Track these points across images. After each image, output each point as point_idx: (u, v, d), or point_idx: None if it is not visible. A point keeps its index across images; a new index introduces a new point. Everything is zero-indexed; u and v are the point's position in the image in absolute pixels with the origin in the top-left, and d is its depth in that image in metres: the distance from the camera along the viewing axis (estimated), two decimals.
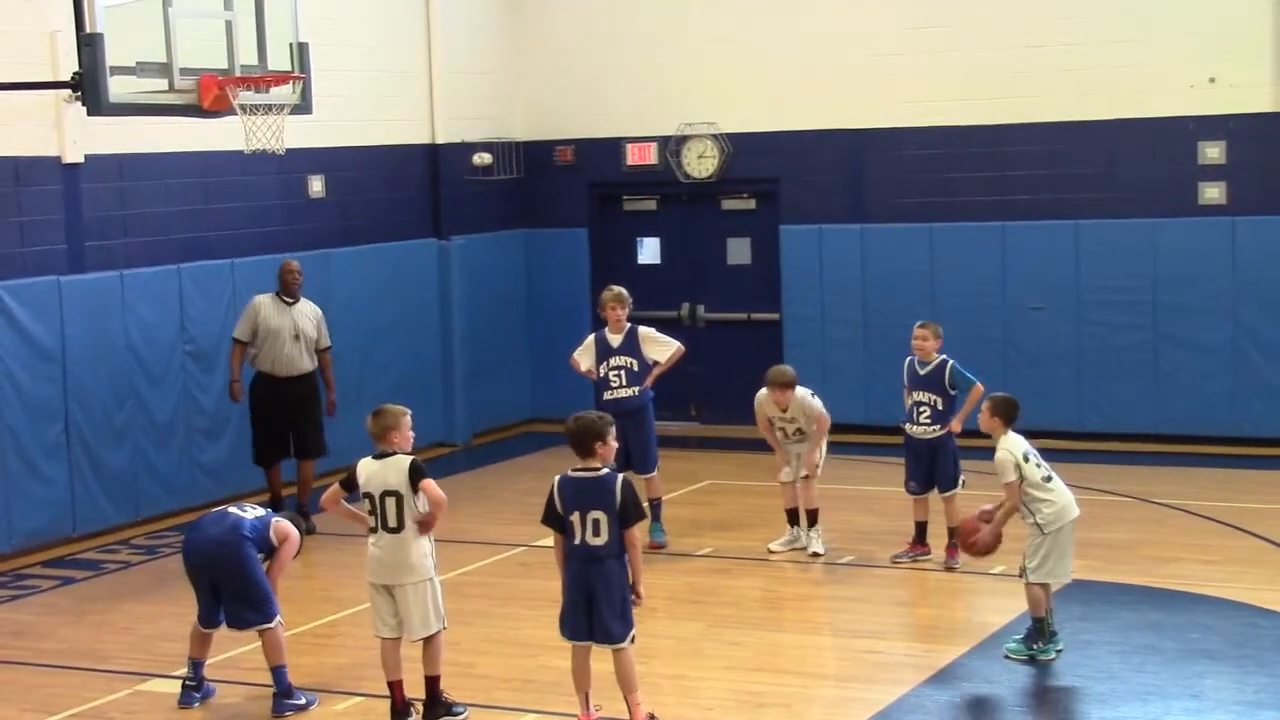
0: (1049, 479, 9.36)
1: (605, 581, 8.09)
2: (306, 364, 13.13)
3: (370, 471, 8.52)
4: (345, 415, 15.14)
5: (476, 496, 14.64)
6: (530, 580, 11.39)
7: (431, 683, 8.68)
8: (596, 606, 8.12)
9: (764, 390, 11.75)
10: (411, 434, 8.69)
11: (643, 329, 12.31)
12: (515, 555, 12.23)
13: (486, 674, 9.50)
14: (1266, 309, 14.98)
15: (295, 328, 13.05)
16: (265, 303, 13.07)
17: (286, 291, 13.12)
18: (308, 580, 11.62)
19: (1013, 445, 9.44)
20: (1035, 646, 9.28)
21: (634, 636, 8.23)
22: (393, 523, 8.47)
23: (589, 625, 8.17)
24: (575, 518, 8.11)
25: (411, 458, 8.54)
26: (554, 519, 8.21)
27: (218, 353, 13.89)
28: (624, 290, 12.34)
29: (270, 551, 8.99)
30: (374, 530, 8.53)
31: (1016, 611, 9.86)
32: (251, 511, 9.07)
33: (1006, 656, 9.26)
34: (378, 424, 8.57)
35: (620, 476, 8.22)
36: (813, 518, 11.82)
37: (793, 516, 11.92)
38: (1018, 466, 9.32)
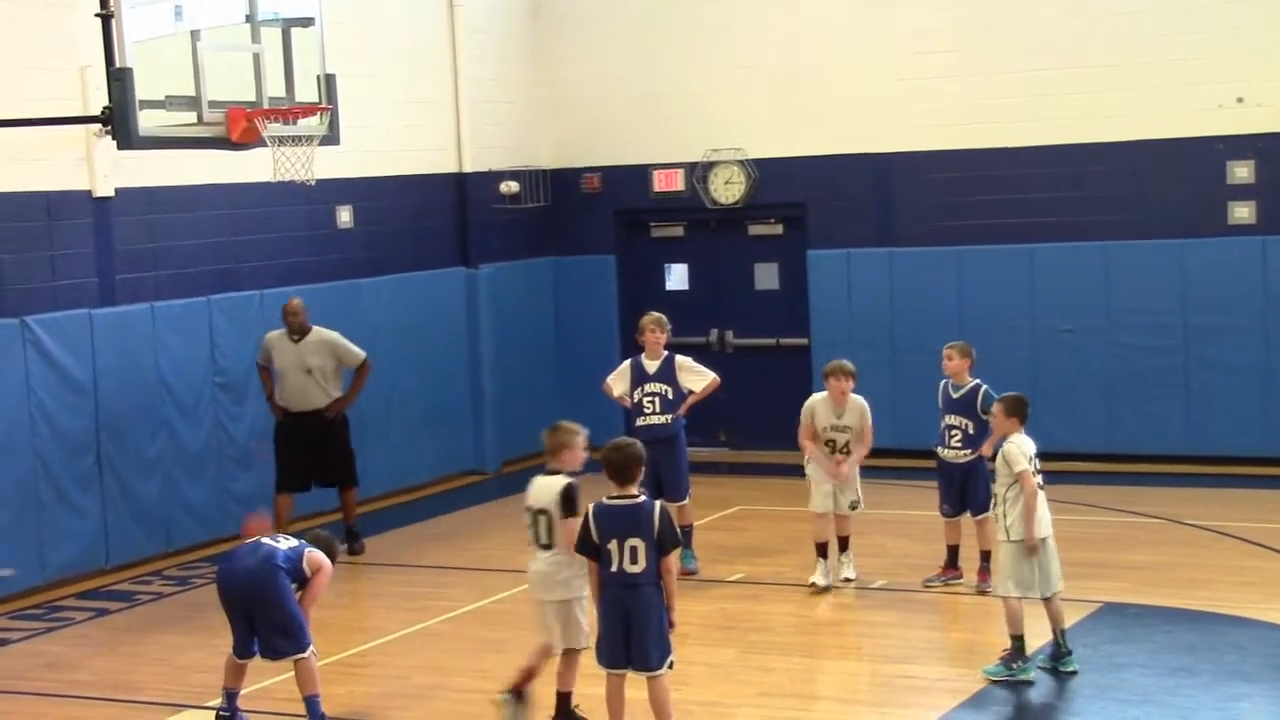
0: (1041, 488, 9.51)
1: (643, 609, 8.09)
2: (318, 399, 13.17)
3: (535, 487, 8.70)
4: (373, 443, 15.22)
5: (506, 524, 14.60)
6: None
7: (562, 699, 8.75)
8: (634, 634, 8.11)
9: (815, 396, 11.70)
10: (584, 454, 8.79)
11: (680, 358, 12.32)
12: None
13: None
14: None
15: (304, 364, 13.11)
16: (275, 340, 13.24)
17: (290, 330, 13.20)
18: (340, 610, 11.63)
19: (1024, 444, 9.57)
20: (1015, 666, 9.27)
21: (672, 663, 8.22)
22: (544, 539, 8.62)
23: (626, 653, 8.15)
24: (612, 545, 8.11)
25: (568, 482, 8.61)
26: (589, 546, 8.20)
27: (248, 383, 13.94)
28: (663, 316, 12.35)
29: (303, 582, 9.01)
30: (531, 545, 8.70)
31: (1048, 634, 9.81)
32: (285, 542, 9.10)
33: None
34: (551, 440, 8.77)
35: (658, 504, 8.23)
36: (844, 543, 11.74)
37: (822, 550, 11.69)
38: (1030, 459, 9.44)
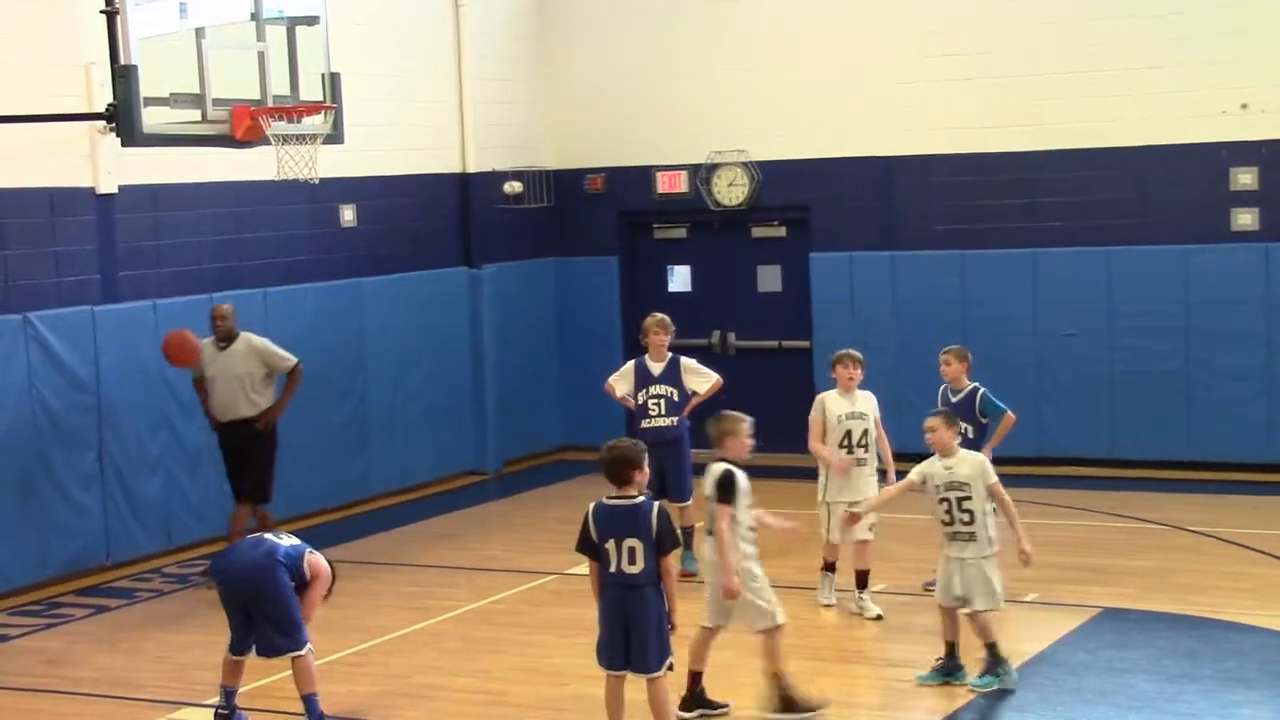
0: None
1: (641, 610, 8.09)
2: (244, 408, 12.51)
3: (706, 475, 8.92)
4: (376, 443, 15.22)
5: (508, 525, 14.65)
6: (562, 609, 11.37)
7: (694, 677, 8.93)
8: (633, 635, 8.11)
9: (822, 394, 11.37)
10: (749, 442, 9.04)
11: (685, 359, 12.33)
12: (547, 584, 12.22)
13: (518, 703, 9.49)
14: None
15: (231, 371, 12.50)
16: (204, 347, 12.59)
17: (217, 336, 12.57)
18: (340, 609, 11.60)
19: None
20: (1000, 671, 9.27)
21: (672, 665, 8.22)
22: (709, 526, 8.83)
23: (625, 654, 8.15)
24: (610, 545, 8.11)
25: (726, 468, 8.82)
26: (588, 546, 8.20)
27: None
28: (667, 317, 12.36)
29: (302, 582, 9.00)
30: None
31: (1049, 639, 9.82)
32: (287, 539, 9.10)
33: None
34: (715, 428, 9.01)
35: (656, 504, 8.23)
36: (864, 578, 11.12)
37: (830, 566, 11.30)
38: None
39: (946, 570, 9.41)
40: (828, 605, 11.24)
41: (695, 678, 8.95)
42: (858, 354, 11.37)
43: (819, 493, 11.26)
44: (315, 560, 9.06)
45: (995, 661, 9.33)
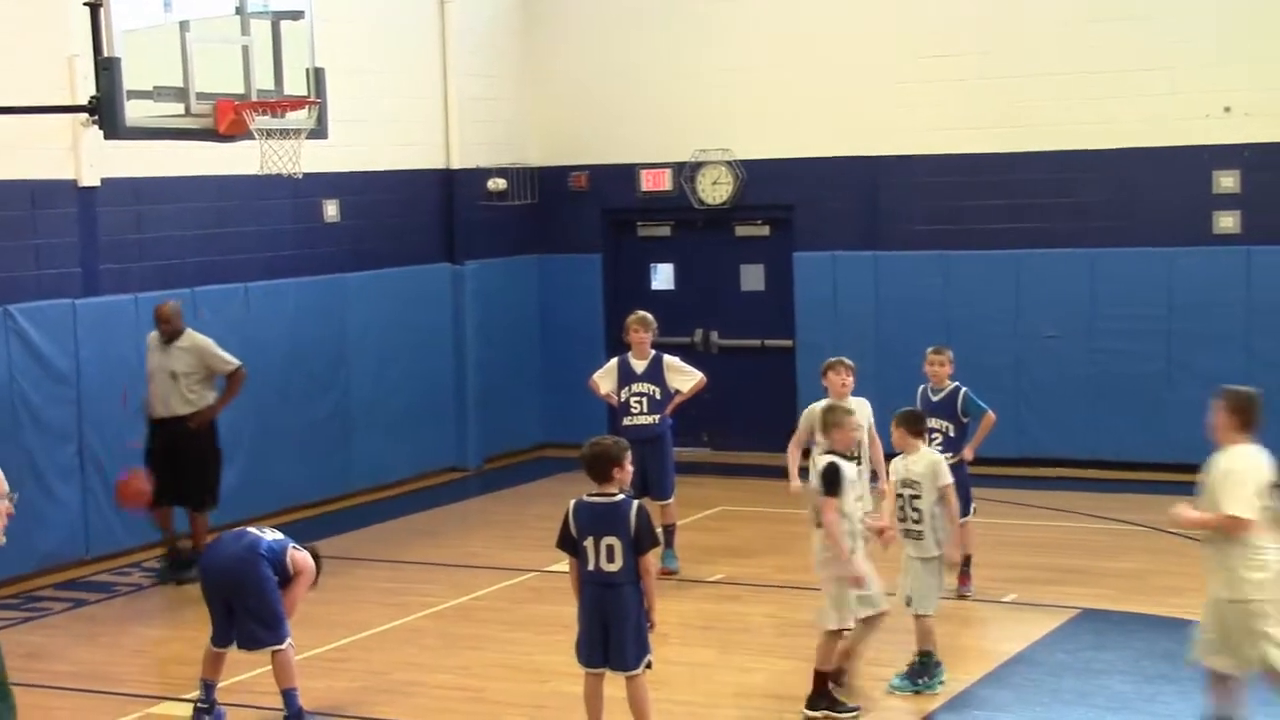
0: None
1: (620, 608, 8.08)
2: (178, 405, 12.39)
3: (811, 468, 8.98)
4: (358, 438, 15.20)
5: (488, 521, 14.65)
6: (542, 605, 11.37)
7: (819, 677, 8.94)
8: (611, 633, 8.10)
9: (813, 404, 10.77)
10: (854, 435, 9.10)
11: (668, 357, 12.33)
12: (527, 580, 12.21)
13: (498, 699, 9.49)
14: None
15: (169, 368, 12.40)
16: (149, 341, 12.61)
17: (161, 335, 12.53)
18: (320, 604, 11.58)
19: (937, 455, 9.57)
20: (922, 681, 9.29)
21: (650, 663, 8.22)
22: (816, 519, 8.87)
23: (604, 652, 8.15)
24: (589, 543, 8.10)
25: (830, 461, 8.82)
26: (568, 543, 8.20)
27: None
28: (648, 314, 12.35)
29: (285, 577, 8.98)
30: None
31: (1028, 640, 9.85)
32: (270, 534, 9.09)
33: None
34: (823, 419, 9.09)
35: (635, 503, 8.22)
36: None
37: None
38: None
39: (902, 568, 9.42)
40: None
41: (824, 677, 8.90)
42: (849, 361, 11.24)
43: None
44: (299, 556, 9.05)
45: (921, 671, 9.31)
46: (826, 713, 8.87)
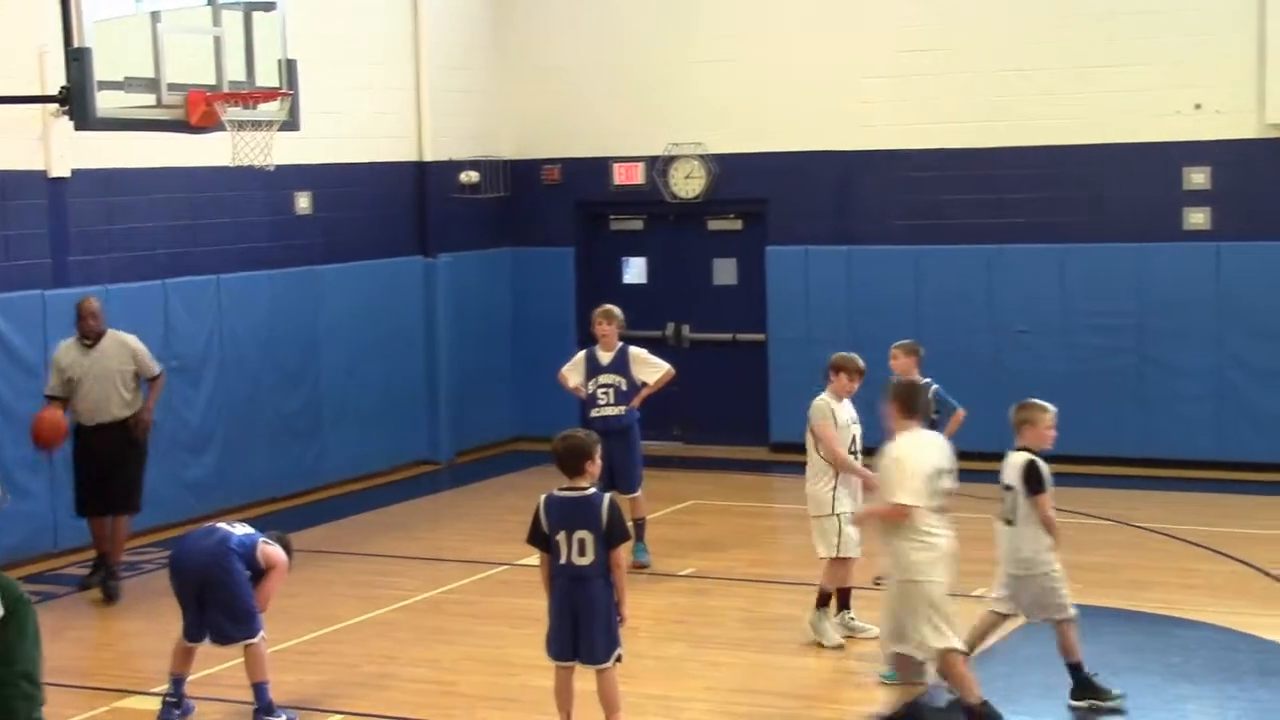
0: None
1: (590, 602, 8.08)
2: (118, 408, 11.82)
3: (1004, 464, 9.03)
4: (328, 431, 15.16)
5: (459, 515, 14.63)
6: (512, 599, 11.36)
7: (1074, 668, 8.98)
8: (581, 627, 8.10)
9: (822, 398, 10.19)
10: (1049, 433, 9.08)
11: (634, 349, 12.32)
12: (498, 574, 12.21)
13: (468, 692, 9.48)
14: (1250, 333, 15.03)
15: (102, 368, 11.77)
16: (67, 348, 11.84)
17: (83, 334, 11.81)
18: (291, 598, 11.56)
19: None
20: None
21: (620, 656, 8.22)
22: (1008, 515, 8.97)
23: (574, 645, 8.15)
24: (561, 537, 8.09)
25: (1028, 459, 8.93)
26: (539, 538, 8.19)
27: (203, 368, 13.89)
28: (614, 308, 12.35)
29: (257, 571, 8.96)
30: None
31: (997, 634, 9.83)
32: (240, 528, 9.06)
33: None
34: (1015, 416, 9.14)
35: (607, 497, 8.21)
36: (848, 597, 10.40)
37: (826, 599, 10.28)
38: None
39: None
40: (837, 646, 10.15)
41: (1078, 666, 8.97)
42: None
43: (828, 505, 10.14)
44: (270, 550, 9.01)
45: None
46: (1092, 702, 8.93)
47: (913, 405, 8.74)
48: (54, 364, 11.88)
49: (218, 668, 9.56)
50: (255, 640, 8.83)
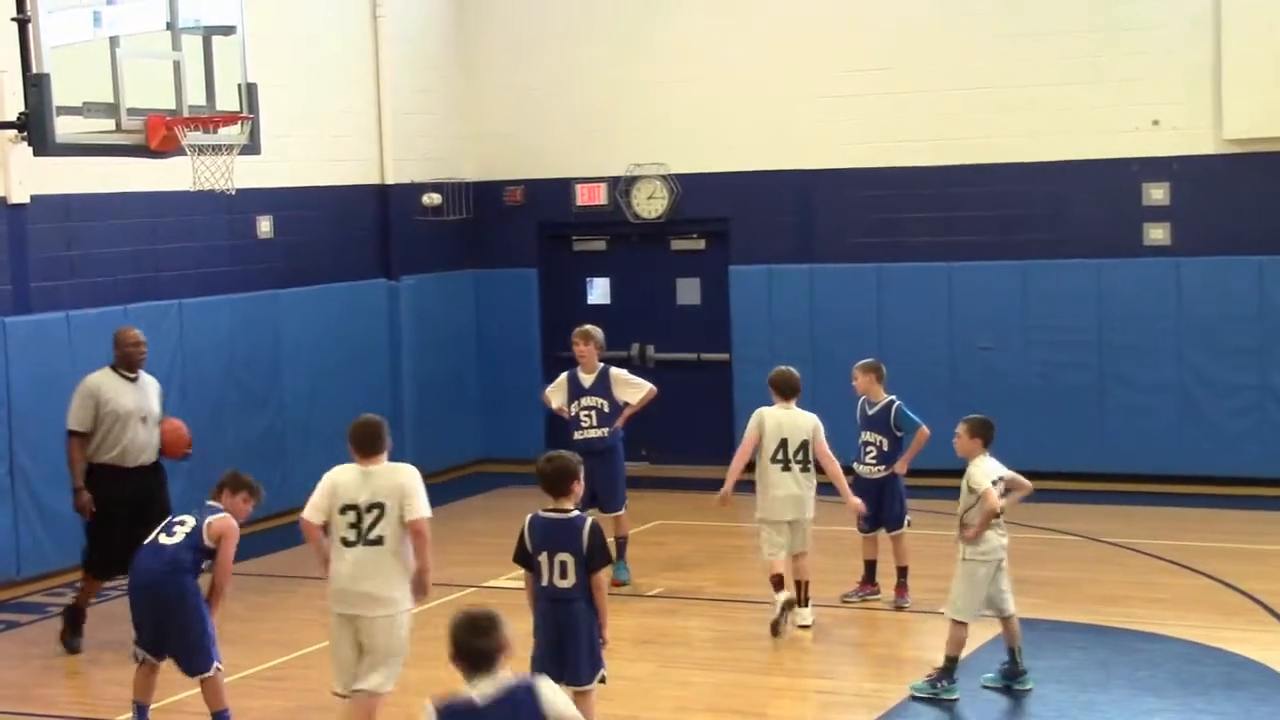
0: (1001, 512, 9.45)
1: (572, 623, 8.07)
2: (154, 453, 11.23)
3: None
4: (292, 456, 15.09)
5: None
6: None
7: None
8: (565, 648, 8.09)
9: (762, 410, 10.97)
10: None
11: (615, 370, 12.34)
12: (465, 596, 12.15)
13: None
14: (1210, 349, 15.13)
15: (145, 409, 11.11)
16: (104, 382, 11.01)
17: (127, 366, 11.08)
18: (256, 622, 11.53)
19: (988, 466, 9.54)
20: (940, 685, 9.34)
21: (604, 677, 8.20)
22: None
23: (559, 667, 8.12)
24: (543, 558, 8.08)
25: None
26: (524, 557, 8.19)
27: (165, 393, 13.78)
28: (593, 328, 12.36)
29: (211, 555, 8.85)
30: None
31: (967, 649, 9.87)
32: (181, 531, 8.84)
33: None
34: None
35: (589, 520, 8.19)
36: (806, 589, 11.05)
37: (781, 584, 10.81)
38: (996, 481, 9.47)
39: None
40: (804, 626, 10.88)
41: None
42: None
43: (810, 508, 11.01)
44: (216, 524, 8.78)
45: (941, 675, 9.48)
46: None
47: None
48: (88, 395, 10.91)
49: (183, 694, 9.49)
50: (210, 674, 8.73)
